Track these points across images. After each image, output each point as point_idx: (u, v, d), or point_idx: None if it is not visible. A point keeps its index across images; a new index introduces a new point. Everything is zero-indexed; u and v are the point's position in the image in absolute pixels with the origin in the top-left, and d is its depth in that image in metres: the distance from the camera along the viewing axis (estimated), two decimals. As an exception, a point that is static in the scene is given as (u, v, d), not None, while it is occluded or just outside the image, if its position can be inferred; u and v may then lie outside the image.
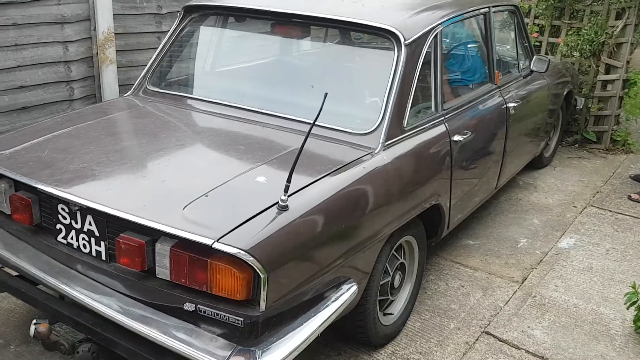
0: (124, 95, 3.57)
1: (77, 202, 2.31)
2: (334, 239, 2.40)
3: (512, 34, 4.42)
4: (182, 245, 2.16)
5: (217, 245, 2.01)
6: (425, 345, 3.12)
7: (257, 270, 2.02)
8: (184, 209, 2.20)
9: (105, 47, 4.27)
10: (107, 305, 2.30)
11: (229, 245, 2.00)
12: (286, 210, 2.19)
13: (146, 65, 3.59)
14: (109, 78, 4.36)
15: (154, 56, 3.58)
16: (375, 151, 2.72)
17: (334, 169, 2.53)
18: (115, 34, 4.30)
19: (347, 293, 2.45)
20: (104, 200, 2.28)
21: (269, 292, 2.08)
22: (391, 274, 2.95)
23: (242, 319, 2.10)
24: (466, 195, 3.53)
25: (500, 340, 3.17)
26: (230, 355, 2.05)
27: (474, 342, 3.15)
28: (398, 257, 3.02)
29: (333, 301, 2.38)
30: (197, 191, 2.31)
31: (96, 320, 2.42)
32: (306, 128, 2.29)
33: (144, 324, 2.21)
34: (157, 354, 2.24)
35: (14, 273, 2.80)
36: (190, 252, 2.13)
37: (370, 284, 2.72)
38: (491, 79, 3.89)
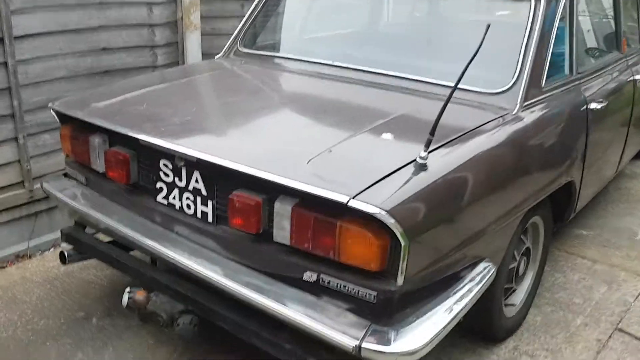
0: (215, 57, 3.33)
1: (187, 155, 2.04)
2: (475, 208, 2.05)
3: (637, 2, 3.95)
4: (306, 204, 1.86)
5: (353, 204, 1.69)
6: (552, 341, 2.74)
7: (398, 235, 1.70)
8: (308, 163, 1.90)
9: (190, 12, 4.04)
10: (214, 272, 2.02)
11: (368, 204, 1.69)
12: (425, 169, 1.86)
13: (231, 33, 3.37)
14: (193, 44, 4.12)
15: (246, 17, 3.33)
16: (513, 112, 2.36)
17: (469, 130, 2.17)
18: (199, -2, 4.07)
19: (485, 273, 2.10)
20: (217, 153, 2.00)
21: (408, 263, 1.76)
22: (517, 259, 2.58)
23: (375, 293, 1.79)
24: (594, 175, 3.12)
25: (637, 338, 2.76)
26: (365, 335, 1.73)
27: (607, 340, 2.75)
28: (525, 240, 2.64)
29: (471, 281, 2.04)
30: (318, 147, 2.01)
31: (199, 290, 2.16)
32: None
33: (258, 292, 1.92)
34: (270, 329, 1.96)
35: (106, 240, 2.58)
36: (317, 212, 1.82)
37: (501, 267, 2.36)
38: (618, 47, 3.46)
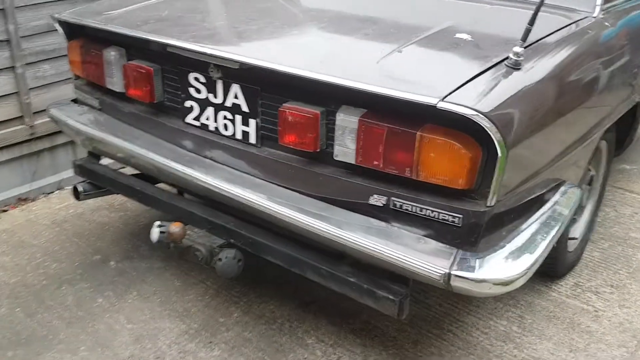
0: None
1: (227, 60, 1.73)
2: (566, 119, 1.78)
3: None
4: (375, 114, 1.57)
5: (444, 106, 1.41)
6: (615, 277, 2.52)
7: (496, 144, 1.42)
8: (377, 63, 1.60)
9: None
10: (262, 198, 1.75)
11: (462, 106, 1.40)
12: (519, 68, 1.57)
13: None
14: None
15: None
16: (593, 15, 2.06)
17: (552, 33, 1.87)
18: None
19: (571, 196, 1.84)
20: (265, 57, 1.69)
21: (502, 180, 1.49)
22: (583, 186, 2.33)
23: (460, 216, 1.52)
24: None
25: None
26: (454, 262, 1.47)
27: (674, 275, 2.54)
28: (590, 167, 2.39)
29: (558, 205, 1.78)
30: (384, 48, 1.71)
31: (242, 222, 1.89)
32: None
33: (317, 219, 1.65)
34: (330, 261, 1.71)
35: (131, 172, 2.29)
36: (390, 122, 1.54)
37: (575, 192, 2.10)
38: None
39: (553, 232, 1.65)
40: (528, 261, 1.52)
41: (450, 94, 1.43)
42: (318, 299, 2.29)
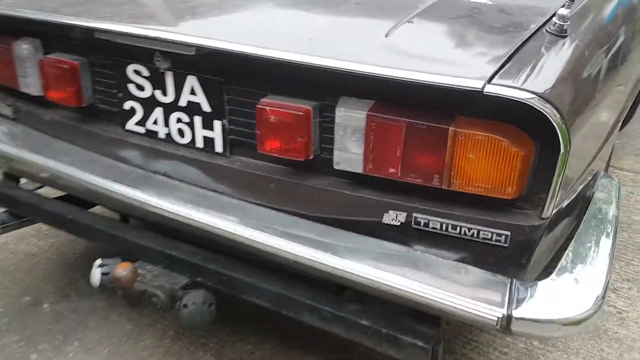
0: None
1: (180, 44, 1.29)
2: (616, 94, 1.45)
3: None
4: (389, 105, 1.18)
5: (492, 90, 1.03)
6: (629, 269, 2.26)
7: (559, 134, 1.06)
8: (386, 37, 1.21)
9: None
10: (235, 223, 1.33)
11: (518, 89, 1.03)
12: (566, 35, 1.22)
13: None
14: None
15: None
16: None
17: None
18: None
19: (612, 189, 1.52)
20: (231, 37, 1.27)
21: (563, 182, 1.14)
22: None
23: (507, 233, 1.16)
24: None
25: None
26: (511, 298, 1.11)
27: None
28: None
29: (603, 203, 1.44)
30: (388, 18, 1.32)
31: (209, 254, 1.47)
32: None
33: (313, 246, 1.25)
34: (331, 299, 1.33)
35: (58, 194, 1.81)
36: (411, 116, 1.16)
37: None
38: None
39: (610, 240, 1.32)
40: (597, 286, 1.18)
41: (496, 74, 1.06)
42: (306, 330, 1.89)
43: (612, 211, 1.43)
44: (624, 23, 1.56)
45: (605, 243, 1.29)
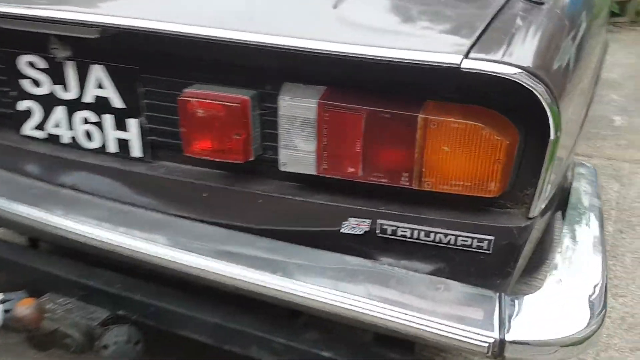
0: None
1: (79, 23, 1.03)
2: (593, 67, 1.30)
3: None
4: (344, 91, 0.97)
5: (472, 65, 0.84)
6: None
7: (550, 117, 0.87)
8: (335, 8, 0.99)
9: None
10: (162, 244, 1.09)
11: (503, 63, 0.84)
12: (542, 2, 1.04)
13: None
14: None
15: None
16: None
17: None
18: None
19: (593, 178, 1.37)
20: (142, 14, 1.02)
21: (551, 176, 0.96)
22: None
23: (491, 238, 0.97)
24: None
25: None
26: (504, 318, 0.91)
27: None
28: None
29: (586, 194, 1.29)
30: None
31: (132, 281, 1.22)
32: None
33: (256, 267, 1.02)
34: (285, 328, 1.11)
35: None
36: (372, 102, 0.95)
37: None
38: None
39: (600, 237, 1.15)
40: (597, 292, 1.00)
41: (472, 46, 0.87)
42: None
43: (595, 202, 1.27)
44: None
45: (595, 240, 1.13)
